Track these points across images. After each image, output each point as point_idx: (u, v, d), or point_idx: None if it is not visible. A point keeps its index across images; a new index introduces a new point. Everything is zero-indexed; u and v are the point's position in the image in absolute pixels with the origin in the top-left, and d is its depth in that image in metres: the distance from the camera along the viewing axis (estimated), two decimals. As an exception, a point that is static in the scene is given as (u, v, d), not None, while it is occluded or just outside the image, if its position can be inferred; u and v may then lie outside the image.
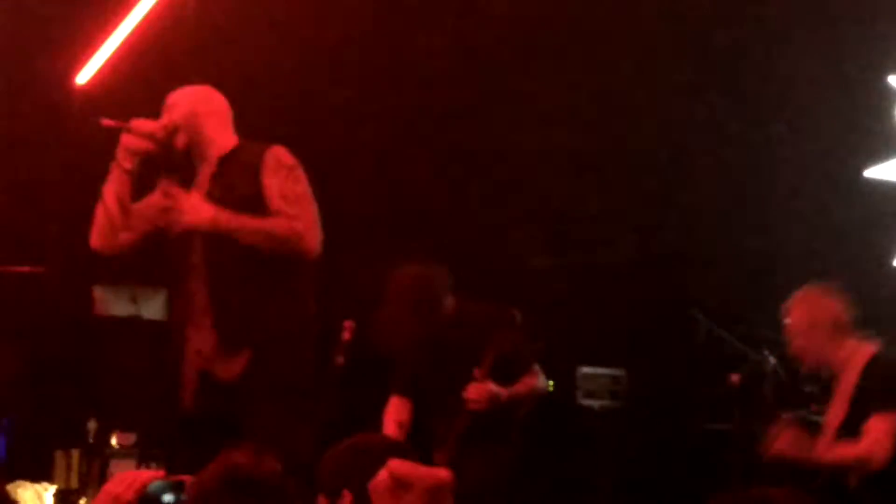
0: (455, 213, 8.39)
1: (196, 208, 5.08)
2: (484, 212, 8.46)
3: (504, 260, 8.32)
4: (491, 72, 8.75)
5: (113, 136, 5.24)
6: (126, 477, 3.05)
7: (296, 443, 4.73)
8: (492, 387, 5.84)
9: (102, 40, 8.00)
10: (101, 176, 5.26)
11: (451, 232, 8.18)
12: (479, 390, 5.84)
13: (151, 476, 3.03)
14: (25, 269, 7.69)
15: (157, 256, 5.59)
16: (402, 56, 8.52)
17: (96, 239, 5.35)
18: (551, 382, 7.88)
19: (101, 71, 8.04)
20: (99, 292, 7.97)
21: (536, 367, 6.11)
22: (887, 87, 9.19)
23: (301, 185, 5.19)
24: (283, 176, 5.15)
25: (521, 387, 6.00)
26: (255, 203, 5.08)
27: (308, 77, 8.28)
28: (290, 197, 5.10)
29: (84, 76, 8.07)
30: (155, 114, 5.30)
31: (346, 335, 6.06)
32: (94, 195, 5.28)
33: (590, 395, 8.07)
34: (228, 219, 5.02)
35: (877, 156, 9.18)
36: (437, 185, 8.46)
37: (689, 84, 9.27)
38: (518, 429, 6.18)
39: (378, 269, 7.10)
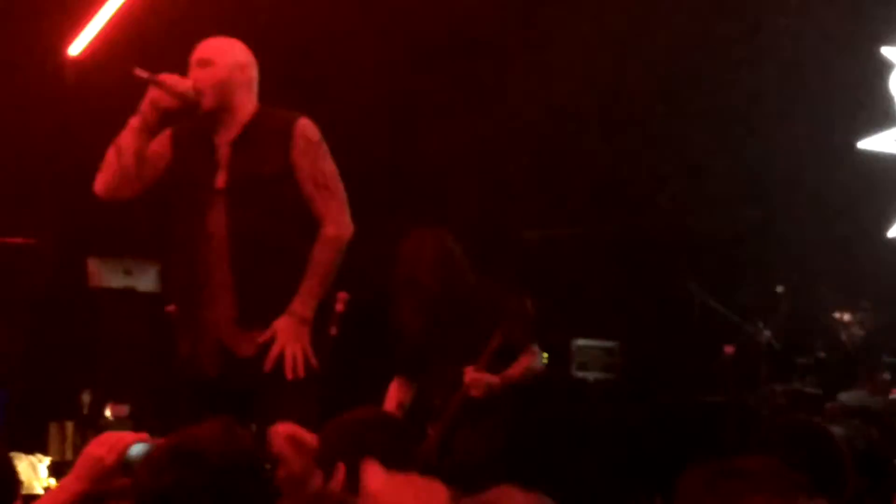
0: (450, 183, 8.37)
1: (295, 333, 5.07)
2: (479, 183, 8.44)
3: (499, 232, 8.31)
4: (482, 44, 8.73)
5: (107, 107, 5.21)
6: (108, 439, 3.01)
7: (303, 423, 4.74)
8: (489, 377, 5.88)
9: (95, 11, 7.95)
10: (95, 147, 5.22)
11: (447, 203, 8.17)
12: (476, 379, 5.87)
13: (134, 438, 3.00)
14: (19, 240, 7.66)
15: (151, 228, 5.55)
16: (393, 37, 8.49)
17: (104, 187, 5.22)
18: (546, 355, 7.90)
19: (93, 42, 7.99)
20: (93, 264, 7.94)
21: (535, 348, 6.12)
22: (881, 59, 9.18)
23: (329, 163, 5.16)
24: (313, 156, 5.12)
25: (517, 369, 6.01)
26: (283, 183, 5.04)
27: (302, 46, 8.25)
28: (321, 182, 5.09)
29: (76, 47, 8.03)
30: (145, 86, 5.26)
31: (340, 306, 6.06)
32: (88, 166, 5.23)
33: (584, 367, 8.07)
34: (312, 305, 5.03)
35: (871, 127, 9.17)
36: (431, 158, 8.44)
37: (686, 57, 9.25)
38: (511, 402, 6.21)
39: (370, 241, 7.11)
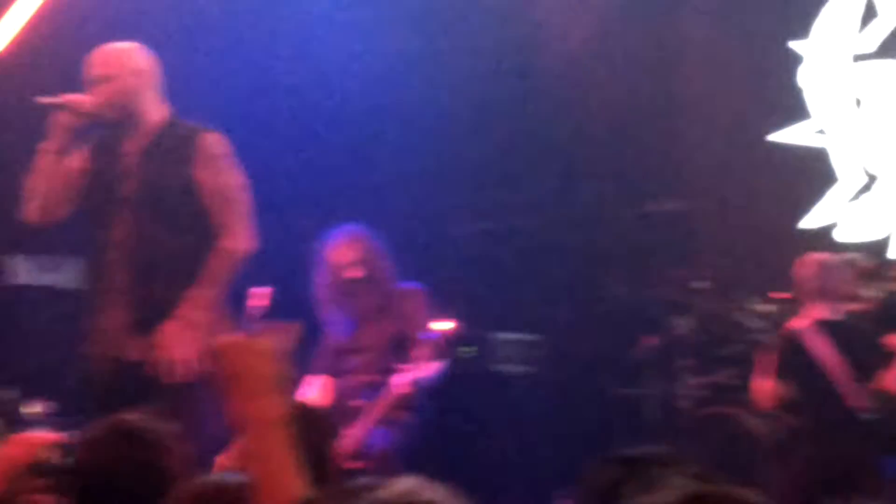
0: (372, 179, 8.36)
1: (180, 338, 5.05)
2: (400, 178, 8.44)
3: (422, 227, 8.32)
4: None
5: (26, 110, 5.16)
6: (21, 440, 3.09)
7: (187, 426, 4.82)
8: (409, 378, 5.99)
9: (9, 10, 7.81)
10: (15, 149, 5.18)
11: (368, 198, 8.17)
12: (402, 385, 5.99)
13: (46, 439, 3.07)
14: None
15: (70, 225, 5.52)
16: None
17: (36, 214, 5.27)
18: (468, 349, 7.94)
19: (11, 43, 7.84)
20: (11, 261, 7.83)
21: (442, 356, 6.23)
22: (790, 53, 9.32)
23: (232, 176, 5.21)
24: (215, 169, 5.17)
25: (429, 380, 6.16)
26: (186, 194, 5.10)
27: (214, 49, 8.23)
28: (223, 195, 5.13)
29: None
30: (66, 85, 5.23)
31: (257, 303, 6.06)
32: (7, 168, 5.19)
33: (506, 360, 8.12)
34: (200, 310, 5.01)
35: (781, 120, 9.31)
36: (354, 152, 8.43)
37: (597, 49, 9.33)
38: (426, 396, 6.28)
39: (291, 237, 7.11)
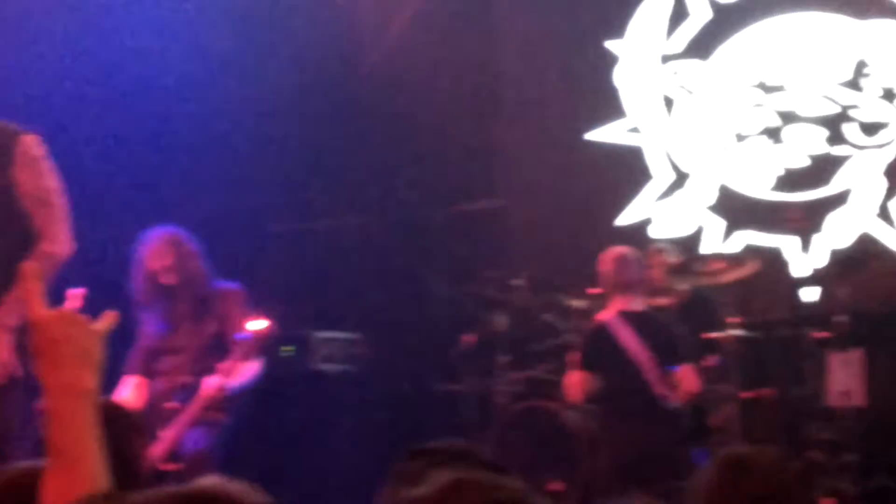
0: (189, 179, 8.25)
1: None
2: (218, 177, 8.34)
3: (241, 226, 8.24)
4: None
5: None
6: None
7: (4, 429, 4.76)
8: (226, 382, 5.97)
9: None
10: None
11: (189, 197, 8.06)
12: (213, 385, 5.97)
13: None
14: None
15: None
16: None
17: None
18: (289, 348, 7.90)
19: None
20: None
21: (258, 356, 6.23)
22: (605, 52, 9.49)
23: (50, 179, 5.14)
24: (33, 172, 5.08)
25: (245, 381, 6.16)
26: (5, 196, 5.00)
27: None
28: (42, 198, 5.06)
29: None
30: None
31: (72, 305, 5.94)
32: None
33: (326, 359, 8.09)
34: (16, 314, 4.89)
35: (598, 118, 9.47)
36: (171, 151, 8.31)
37: (415, 48, 9.37)
38: (243, 397, 6.26)
39: (107, 239, 6.98)
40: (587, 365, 6.78)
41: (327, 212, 8.76)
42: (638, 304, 6.87)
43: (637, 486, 5.88)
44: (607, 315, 6.85)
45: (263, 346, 6.18)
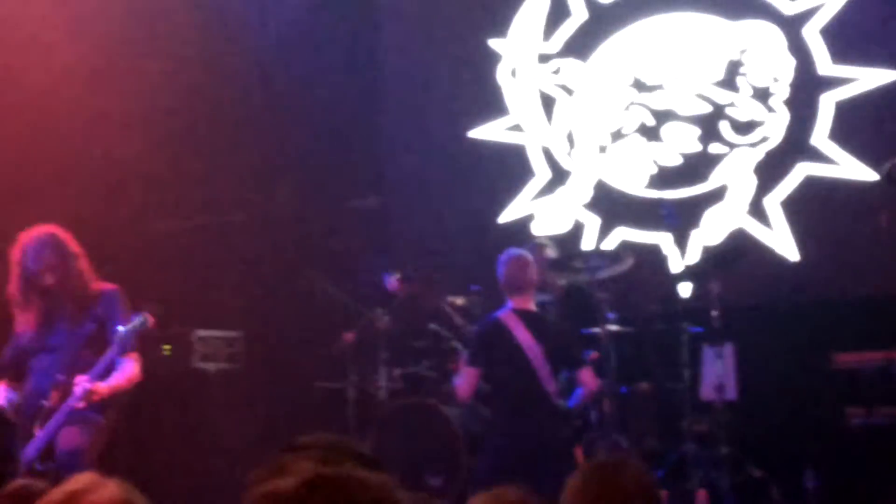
0: (70, 177, 8.15)
1: None
2: (101, 175, 8.25)
3: (122, 224, 8.16)
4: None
5: None
6: None
7: None
8: (96, 387, 5.94)
9: None
10: None
11: (67, 196, 7.96)
12: (85, 389, 5.92)
13: None
14: None
15: None
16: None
17: None
18: (168, 347, 7.84)
19: None
20: None
21: (135, 354, 6.20)
22: (489, 51, 9.56)
23: None
24: None
25: (122, 379, 6.11)
26: None
27: None
28: None
29: None
30: None
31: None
32: None
33: (206, 357, 8.04)
34: None
35: (482, 116, 9.53)
36: (51, 148, 8.19)
37: (298, 47, 9.36)
38: (124, 396, 6.22)
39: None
40: (479, 361, 6.83)
41: (208, 210, 8.71)
42: (532, 302, 6.95)
43: (524, 483, 5.93)
44: (502, 313, 6.93)
45: (146, 344, 6.14)
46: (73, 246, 6.43)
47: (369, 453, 2.75)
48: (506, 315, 6.87)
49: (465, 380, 6.88)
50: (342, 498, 1.85)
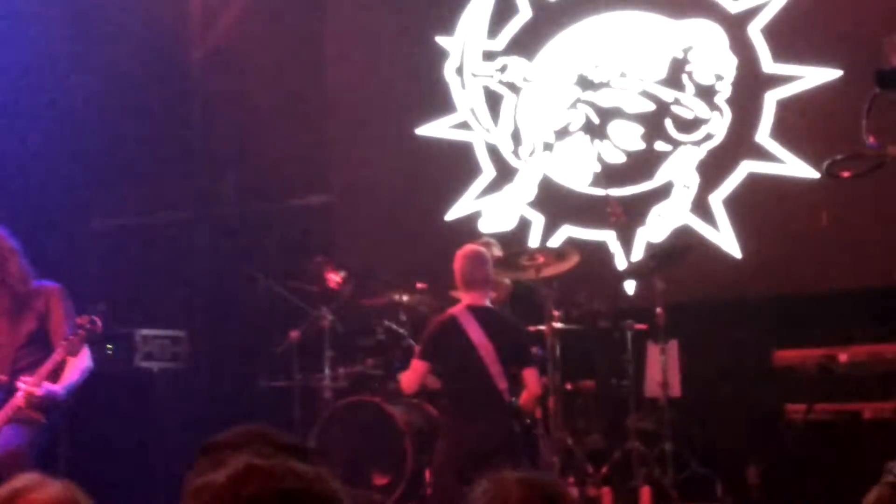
0: (8, 174, 8.09)
1: None
2: (39, 173, 8.20)
3: (64, 222, 8.11)
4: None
5: None
6: None
7: None
8: (45, 387, 5.92)
9: None
10: None
11: (8, 194, 7.90)
12: (30, 392, 5.89)
13: None
14: None
15: None
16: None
17: None
18: (110, 346, 7.80)
19: None
20: None
21: (86, 349, 6.17)
22: (436, 48, 9.56)
23: None
24: None
25: (75, 374, 6.08)
26: None
27: None
28: None
29: None
30: None
31: None
32: None
33: (149, 357, 8.00)
34: None
35: (429, 114, 9.53)
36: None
37: (241, 44, 9.33)
38: (63, 395, 6.19)
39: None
40: (429, 356, 6.83)
41: (152, 208, 8.67)
42: (484, 299, 6.97)
43: (474, 479, 5.93)
44: (455, 309, 6.94)
45: (88, 343, 6.11)
46: (11, 243, 6.38)
47: (301, 444, 2.76)
48: (459, 311, 6.89)
49: (412, 374, 6.87)
50: (274, 487, 1.86)
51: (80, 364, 6.14)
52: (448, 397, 6.94)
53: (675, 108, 8.82)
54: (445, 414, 6.97)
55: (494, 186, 9.32)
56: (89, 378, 6.27)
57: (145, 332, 8.00)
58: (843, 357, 6.63)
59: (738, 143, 8.62)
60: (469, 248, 7.09)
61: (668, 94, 8.83)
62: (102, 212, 8.40)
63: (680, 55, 8.83)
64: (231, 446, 2.56)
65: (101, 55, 8.50)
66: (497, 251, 7.93)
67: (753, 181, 8.54)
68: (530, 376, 6.83)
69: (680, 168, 8.76)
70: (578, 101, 9.08)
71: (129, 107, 8.56)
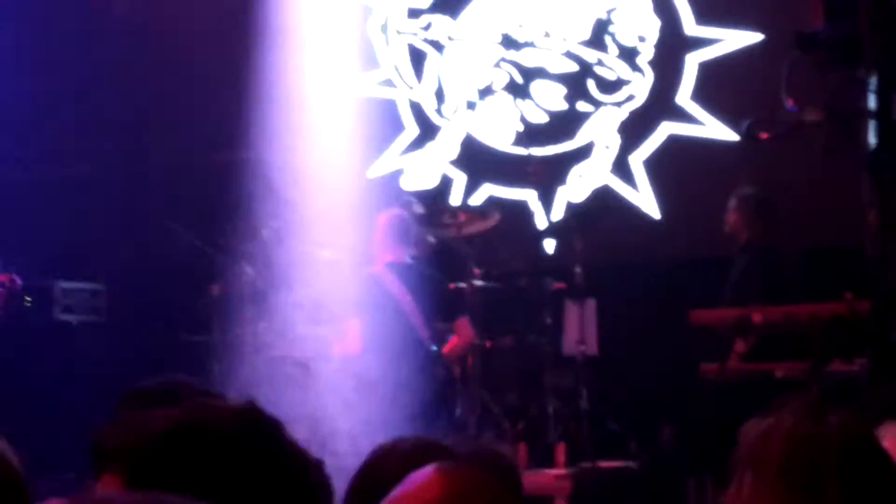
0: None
1: None
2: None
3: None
4: None
5: None
6: None
7: None
8: None
9: None
10: None
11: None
12: None
13: None
14: None
15: None
16: None
17: None
18: (29, 298, 7.74)
19: None
20: None
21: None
22: (360, 3, 9.51)
23: None
24: None
25: None
26: None
27: None
28: None
29: None
30: None
31: None
32: None
33: (68, 309, 7.95)
34: None
35: (352, 71, 9.49)
36: None
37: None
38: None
39: None
40: (359, 312, 6.90)
41: (72, 160, 8.59)
42: (404, 256, 7.05)
43: (411, 429, 6.02)
44: (376, 267, 7.01)
45: (7, 297, 6.07)
46: None
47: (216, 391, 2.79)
48: (380, 268, 6.94)
49: (352, 334, 6.93)
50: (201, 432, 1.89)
51: None
52: (376, 350, 7.00)
53: (597, 69, 8.88)
54: (375, 367, 7.03)
55: (417, 144, 9.34)
56: (7, 329, 6.24)
57: (65, 284, 7.95)
58: (757, 317, 6.74)
59: (660, 105, 8.71)
60: (392, 205, 7.15)
61: (591, 55, 8.89)
62: (24, 163, 8.31)
63: (604, 16, 8.88)
64: (152, 395, 2.58)
65: (20, 7, 8.38)
66: (418, 209, 7.98)
67: (674, 143, 8.63)
68: (462, 325, 6.94)
69: (601, 129, 8.84)
70: (502, 60, 9.11)
71: (58, 58, 8.45)
